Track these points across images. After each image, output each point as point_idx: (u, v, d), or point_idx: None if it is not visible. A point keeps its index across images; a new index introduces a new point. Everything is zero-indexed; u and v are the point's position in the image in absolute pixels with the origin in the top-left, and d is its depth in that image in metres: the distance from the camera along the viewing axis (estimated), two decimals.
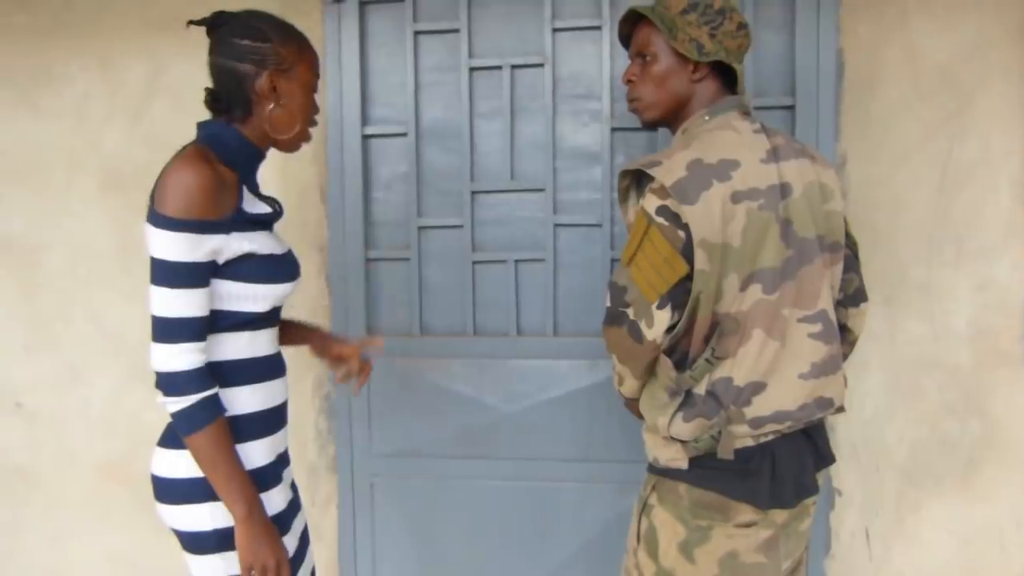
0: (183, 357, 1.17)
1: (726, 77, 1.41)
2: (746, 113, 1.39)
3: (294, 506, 1.41)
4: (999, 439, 1.92)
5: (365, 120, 2.05)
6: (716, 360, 1.29)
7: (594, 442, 2.02)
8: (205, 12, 2.03)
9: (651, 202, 1.28)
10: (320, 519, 2.15)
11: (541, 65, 1.99)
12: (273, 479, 1.33)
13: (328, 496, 2.15)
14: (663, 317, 1.27)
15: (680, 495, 1.34)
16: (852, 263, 1.48)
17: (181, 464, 1.26)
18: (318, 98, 1.99)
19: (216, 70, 1.29)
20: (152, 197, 1.19)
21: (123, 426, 2.18)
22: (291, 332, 1.56)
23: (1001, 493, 1.93)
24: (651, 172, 1.28)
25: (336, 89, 2.03)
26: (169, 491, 1.28)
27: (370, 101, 2.07)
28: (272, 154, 2.03)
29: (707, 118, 1.37)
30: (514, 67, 2.00)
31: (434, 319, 2.09)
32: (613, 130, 1.98)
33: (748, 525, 1.33)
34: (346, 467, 2.12)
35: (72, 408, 2.20)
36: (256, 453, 1.29)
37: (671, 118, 1.43)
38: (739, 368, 1.30)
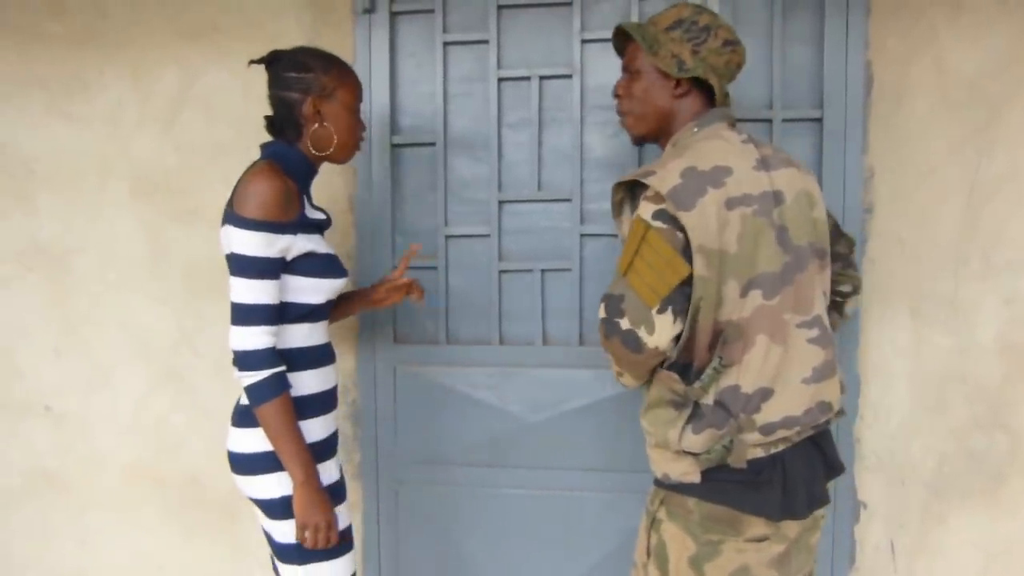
0: (257, 338, 1.36)
1: (712, 92, 1.44)
2: (733, 124, 1.43)
3: (344, 482, 1.61)
4: None
5: (394, 129, 2.07)
6: (723, 368, 1.30)
7: (618, 452, 2.02)
8: (236, 23, 2.10)
9: (646, 209, 1.30)
10: None
11: (569, 76, 2.00)
12: (329, 451, 1.55)
13: (353, 502, 2.15)
14: (665, 322, 1.28)
15: (689, 509, 1.34)
16: (851, 260, 1.55)
17: (250, 440, 1.45)
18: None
19: (272, 100, 1.50)
20: (231, 203, 1.39)
21: (151, 429, 2.20)
22: (341, 307, 1.78)
23: None
24: (646, 181, 1.30)
25: (366, 99, 2.04)
26: (241, 464, 1.47)
27: (399, 111, 2.08)
28: None
29: (696, 129, 1.41)
30: (542, 78, 2.01)
31: (460, 328, 2.10)
32: None
33: (760, 540, 1.33)
34: (371, 473, 2.13)
35: (100, 411, 2.22)
36: (316, 428, 1.50)
37: (658, 133, 1.48)
38: (746, 375, 1.30)
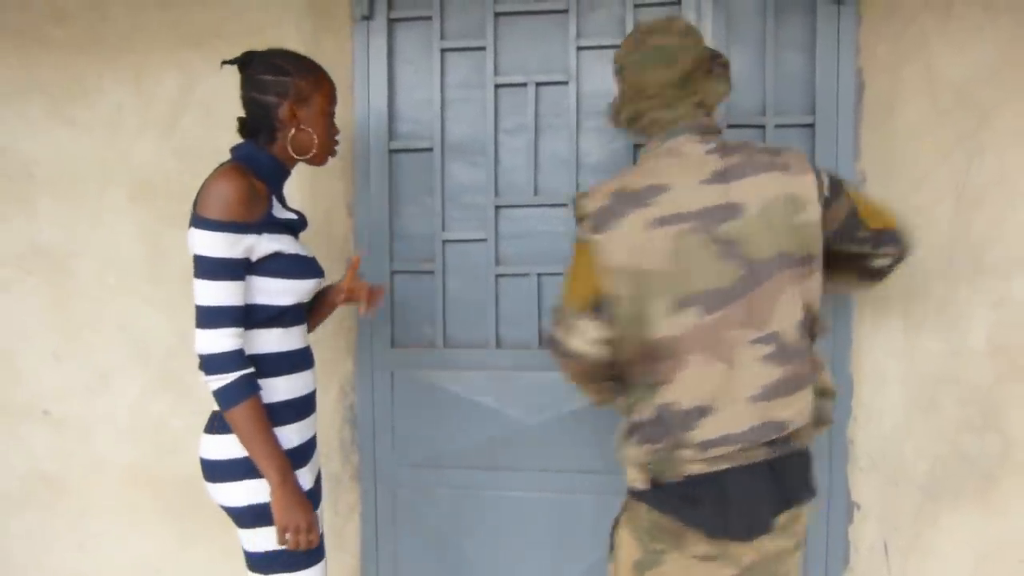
0: (223, 340, 1.34)
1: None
2: (705, 133, 1.39)
3: (319, 490, 1.60)
4: (1017, 454, 1.94)
5: (392, 135, 2.09)
6: (654, 385, 1.34)
7: (614, 455, 2.04)
8: (237, 29, 2.12)
9: (580, 226, 1.39)
10: (343, 528, 2.17)
11: (565, 82, 2.02)
12: (303, 459, 1.50)
13: (351, 505, 2.17)
14: (585, 327, 1.36)
15: (641, 516, 1.40)
16: (881, 239, 1.45)
17: (220, 447, 1.43)
18: (346, 112, 2.07)
19: (246, 102, 1.49)
20: (195, 205, 1.38)
21: (150, 433, 2.21)
22: (318, 311, 1.73)
23: (1019, 508, 1.95)
24: (579, 202, 1.39)
25: (364, 104, 2.07)
26: (212, 471, 1.44)
27: (397, 116, 2.11)
28: (300, 170, 2.09)
29: (659, 143, 1.41)
30: (539, 84, 2.04)
31: (457, 331, 2.12)
32: (635, 146, 2.01)
33: (705, 558, 1.34)
34: (369, 477, 2.14)
35: (99, 415, 2.23)
36: (291, 435, 1.47)
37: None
38: (682, 392, 1.31)
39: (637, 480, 1.39)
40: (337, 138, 1.57)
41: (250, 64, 1.48)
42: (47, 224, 2.19)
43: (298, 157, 1.50)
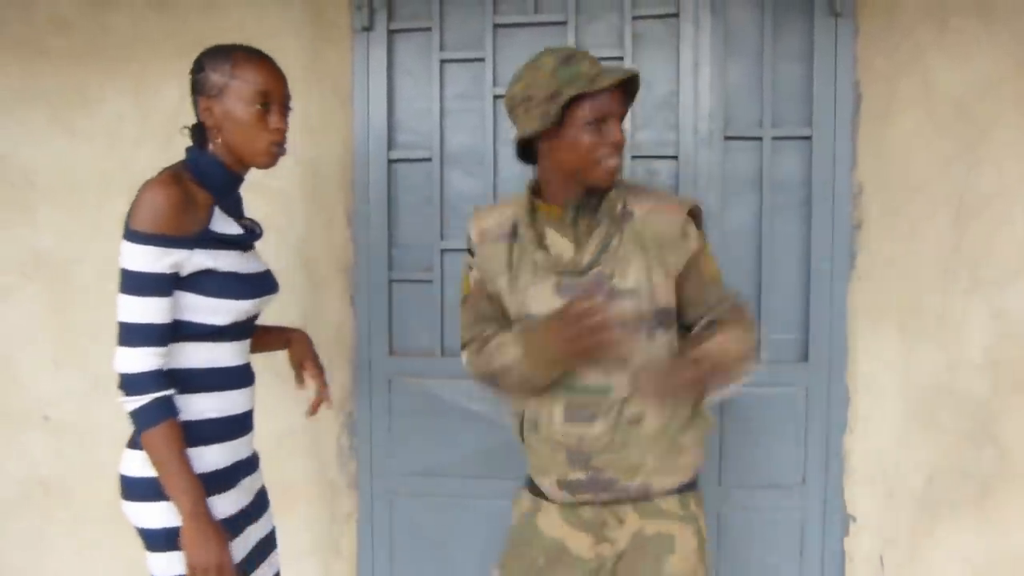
0: (143, 360, 1.25)
1: None
2: None
3: (247, 514, 1.42)
4: (1013, 466, 1.94)
5: (391, 145, 2.10)
6: None
7: None
8: (237, 40, 2.06)
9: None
10: (340, 535, 2.18)
11: None
12: (226, 484, 1.37)
13: (348, 512, 2.18)
14: None
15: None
16: None
17: (140, 464, 1.31)
18: (345, 123, 2.06)
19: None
20: (128, 213, 1.27)
21: None
22: (269, 337, 1.60)
23: (1015, 520, 1.95)
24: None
25: (363, 114, 2.08)
26: (129, 488, 1.34)
27: (396, 126, 2.11)
28: (302, 179, 2.09)
29: None
30: None
31: (455, 340, 2.12)
32: (633, 158, 2.02)
33: None
34: (366, 484, 2.15)
35: (98, 422, 2.23)
36: (212, 456, 1.35)
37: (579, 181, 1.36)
38: None
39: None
40: (282, 132, 1.36)
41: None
42: (47, 232, 2.21)
43: (227, 159, 1.35)
